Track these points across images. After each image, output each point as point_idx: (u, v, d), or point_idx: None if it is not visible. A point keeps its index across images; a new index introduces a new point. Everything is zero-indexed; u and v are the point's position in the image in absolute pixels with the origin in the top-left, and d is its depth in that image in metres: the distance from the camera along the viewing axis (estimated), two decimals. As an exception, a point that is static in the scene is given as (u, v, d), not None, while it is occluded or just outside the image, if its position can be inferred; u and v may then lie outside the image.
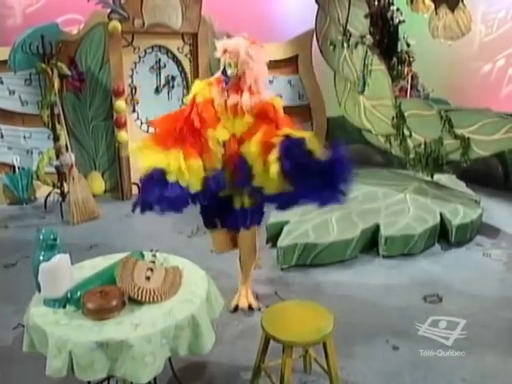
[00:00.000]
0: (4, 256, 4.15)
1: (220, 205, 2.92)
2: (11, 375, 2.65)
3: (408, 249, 4.09)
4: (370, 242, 4.18)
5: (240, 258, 3.25)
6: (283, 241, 3.91)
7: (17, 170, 5.46)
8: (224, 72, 2.68)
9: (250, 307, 3.23)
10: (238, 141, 2.76)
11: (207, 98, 2.76)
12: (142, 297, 1.96)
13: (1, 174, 5.45)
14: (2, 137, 5.46)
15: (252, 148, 2.69)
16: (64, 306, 1.95)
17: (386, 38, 5.65)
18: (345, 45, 5.68)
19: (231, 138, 2.76)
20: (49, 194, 5.34)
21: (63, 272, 1.99)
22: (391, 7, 5.63)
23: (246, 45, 2.66)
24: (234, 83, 2.70)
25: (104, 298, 1.89)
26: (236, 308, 3.23)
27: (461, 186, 5.34)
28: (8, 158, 5.49)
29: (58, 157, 5.18)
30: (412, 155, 5.34)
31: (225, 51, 2.67)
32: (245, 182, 2.76)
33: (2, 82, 5.32)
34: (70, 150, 5.18)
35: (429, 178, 5.36)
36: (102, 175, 5.82)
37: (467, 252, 4.24)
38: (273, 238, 4.18)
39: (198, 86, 2.84)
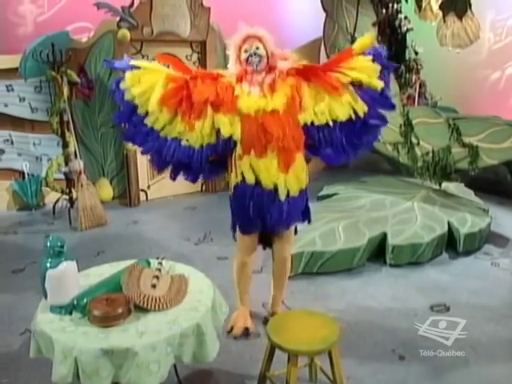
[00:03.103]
0: (12, 261, 4.18)
1: (262, 199, 2.68)
2: (18, 381, 2.66)
3: (415, 257, 4.07)
4: (378, 251, 4.16)
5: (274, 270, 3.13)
6: (290, 248, 3.90)
7: (26, 176, 5.51)
8: (251, 57, 2.70)
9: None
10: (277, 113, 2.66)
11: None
12: (147, 304, 1.97)
13: (10, 180, 5.51)
14: (12, 143, 5.53)
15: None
16: (70, 313, 1.97)
17: (393, 46, 5.67)
18: (353, 53, 5.69)
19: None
20: (57, 201, 5.38)
21: (70, 279, 2.01)
22: (399, 15, 5.66)
23: (260, 28, 2.79)
24: (263, 65, 2.73)
25: (110, 305, 1.90)
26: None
27: (469, 194, 5.30)
28: (17, 164, 5.54)
29: (66, 163, 5.22)
30: (420, 163, 5.32)
31: (247, 38, 2.74)
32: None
33: (12, 89, 5.39)
34: (78, 156, 5.23)
35: (437, 187, 5.33)
36: (111, 182, 5.85)
37: (475, 261, 4.20)
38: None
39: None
